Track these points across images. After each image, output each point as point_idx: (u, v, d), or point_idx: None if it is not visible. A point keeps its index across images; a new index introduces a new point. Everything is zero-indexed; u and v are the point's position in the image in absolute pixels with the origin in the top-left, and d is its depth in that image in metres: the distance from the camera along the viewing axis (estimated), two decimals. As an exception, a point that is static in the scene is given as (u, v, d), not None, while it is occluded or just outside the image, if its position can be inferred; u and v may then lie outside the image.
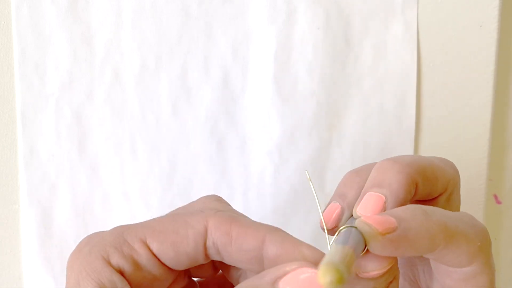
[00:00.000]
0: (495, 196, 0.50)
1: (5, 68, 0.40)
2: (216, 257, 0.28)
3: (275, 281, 0.23)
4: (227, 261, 0.27)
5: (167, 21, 0.41)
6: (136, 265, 0.27)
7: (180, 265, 0.27)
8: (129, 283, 0.26)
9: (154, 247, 0.27)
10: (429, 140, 0.46)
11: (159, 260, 0.27)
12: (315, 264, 0.23)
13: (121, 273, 0.26)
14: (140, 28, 0.41)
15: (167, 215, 0.29)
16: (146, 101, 0.42)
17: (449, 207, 0.30)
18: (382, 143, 0.45)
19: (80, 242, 0.28)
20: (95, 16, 0.40)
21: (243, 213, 0.29)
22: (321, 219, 0.28)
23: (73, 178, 0.42)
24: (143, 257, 0.27)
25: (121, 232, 0.27)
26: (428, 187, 0.29)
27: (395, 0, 0.43)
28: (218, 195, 0.30)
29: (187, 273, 0.30)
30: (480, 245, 0.27)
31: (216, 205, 0.29)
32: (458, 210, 0.31)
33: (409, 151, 0.45)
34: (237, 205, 0.43)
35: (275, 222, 0.44)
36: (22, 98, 0.40)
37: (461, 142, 0.46)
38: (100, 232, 0.29)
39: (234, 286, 0.30)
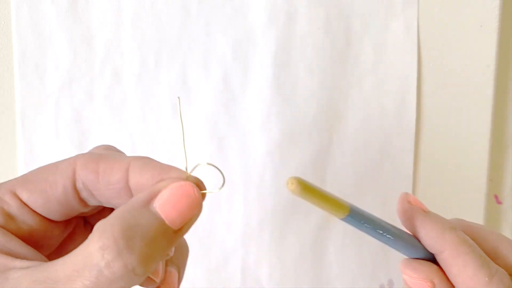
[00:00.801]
0: (496, 196, 0.50)
1: (5, 68, 0.40)
2: (91, 201, 0.26)
3: (149, 202, 0.23)
4: (102, 201, 0.26)
5: (167, 21, 0.41)
6: (8, 216, 0.25)
7: (54, 213, 0.26)
8: (18, 233, 0.25)
9: (24, 196, 0.26)
10: (429, 140, 0.46)
11: (31, 209, 0.26)
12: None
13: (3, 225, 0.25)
14: (140, 28, 0.41)
15: (41, 166, 0.28)
16: (146, 101, 0.42)
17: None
18: (383, 143, 0.45)
19: None
20: (95, 16, 0.40)
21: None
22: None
23: (73, 178, 0.42)
24: (13, 207, 0.26)
25: None
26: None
27: (395, 0, 0.43)
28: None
29: (90, 226, 0.29)
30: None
31: (100, 151, 0.28)
32: None
33: (409, 151, 0.45)
34: (237, 205, 0.43)
35: (275, 222, 0.44)
36: (22, 98, 0.40)
37: (461, 143, 0.46)
38: None
39: None
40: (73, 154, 0.41)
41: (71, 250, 0.23)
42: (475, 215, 0.47)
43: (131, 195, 0.25)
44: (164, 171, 0.25)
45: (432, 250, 0.29)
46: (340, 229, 0.45)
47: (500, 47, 0.45)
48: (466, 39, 0.44)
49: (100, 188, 0.25)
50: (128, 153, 0.42)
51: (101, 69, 0.41)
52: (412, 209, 0.29)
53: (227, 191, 0.43)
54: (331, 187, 0.44)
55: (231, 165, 0.43)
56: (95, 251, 0.21)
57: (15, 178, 0.27)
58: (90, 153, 0.27)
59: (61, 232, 0.27)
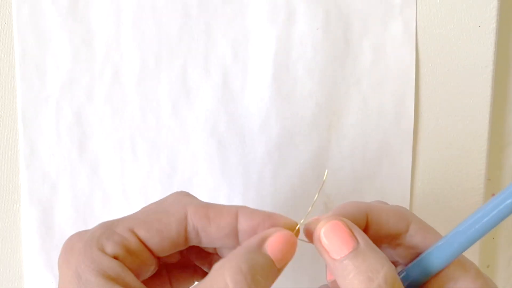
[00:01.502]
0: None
1: (6, 68, 0.40)
2: (194, 241, 0.31)
3: (261, 245, 0.28)
4: (204, 242, 0.31)
5: (167, 21, 0.41)
6: (128, 250, 0.29)
7: (164, 251, 0.31)
8: (131, 266, 0.29)
9: (142, 234, 0.30)
10: (428, 140, 0.46)
11: (146, 246, 0.30)
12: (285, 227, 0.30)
13: (117, 259, 0.29)
14: (140, 28, 0.41)
15: (146, 207, 0.32)
16: (146, 101, 0.42)
17: (429, 240, 0.32)
18: (381, 143, 0.45)
19: (68, 241, 0.30)
20: (95, 16, 0.40)
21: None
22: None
23: (73, 177, 0.42)
24: (133, 243, 0.29)
25: (109, 225, 0.30)
26: (384, 220, 0.31)
27: (394, 0, 0.43)
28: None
29: (168, 279, 0.34)
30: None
31: (189, 198, 0.32)
32: (437, 234, 0.32)
33: (407, 150, 0.45)
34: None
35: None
36: (23, 98, 0.40)
37: (459, 142, 0.46)
38: (85, 230, 0.31)
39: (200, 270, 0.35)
40: (74, 154, 0.41)
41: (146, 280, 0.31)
42: (474, 215, 0.47)
43: (237, 237, 0.31)
44: (273, 217, 0.30)
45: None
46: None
47: (498, 48, 0.45)
48: (464, 40, 0.44)
49: (210, 230, 0.30)
50: (128, 153, 0.42)
51: (102, 69, 0.41)
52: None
53: (227, 191, 0.43)
54: (330, 187, 0.45)
55: (230, 165, 0.43)
56: (228, 283, 0.27)
57: (126, 217, 0.31)
58: (197, 201, 0.32)
59: (155, 268, 0.32)
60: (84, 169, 0.42)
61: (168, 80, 0.42)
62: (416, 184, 0.46)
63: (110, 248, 0.29)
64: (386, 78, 0.44)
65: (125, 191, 0.42)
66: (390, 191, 0.46)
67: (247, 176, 0.43)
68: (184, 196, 0.33)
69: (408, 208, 0.46)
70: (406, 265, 0.32)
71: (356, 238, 0.29)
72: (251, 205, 0.44)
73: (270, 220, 0.30)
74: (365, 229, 0.31)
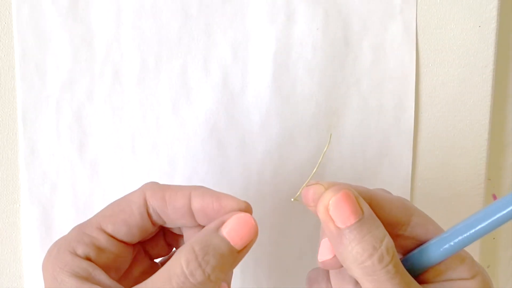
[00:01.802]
0: (494, 196, 0.50)
1: (6, 68, 0.40)
2: (159, 221, 0.33)
3: (218, 229, 0.30)
4: (167, 223, 0.33)
5: (167, 21, 0.41)
6: (99, 249, 0.31)
7: (135, 238, 0.33)
8: (97, 265, 0.31)
9: (109, 229, 0.32)
10: (428, 140, 0.46)
11: (115, 238, 0.32)
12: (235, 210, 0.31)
13: (89, 259, 0.31)
14: (140, 28, 0.41)
15: (113, 202, 0.34)
16: (146, 101, 0.42)
17: (431, 232, 0.32)
18: (381, 143, 0.45)
19: (49, 248, 0.32)
20: (95, 16, 0.40)
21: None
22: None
23: (73, 177, 0.42)
24: (102, 240, 0.31)
25: (79, 228, 0.32)
26: (388, 210, 0.32)
27: (394, 0, 0.43)
28: None
29: (147, 255, 0.35)
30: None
31: (148, 184, 0.34)
32: (438, 227, 0.33)
33: (407, 151, 0.45)
34: (237, 205, 0.43)
35: (274, 222, 0.44)
36: (23, 98, 0.40)
37: (459, 142, 0.46)
38: (62, 236, 0.33)
39: None
40: (74, 154, 0.41)
41: (136, 272, 0.34)
42: (474, 215, 0.47)
43: (193, 216, 0.32)
44: (222, 197, 0.32)
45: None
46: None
47: (498, 48, 0.45)
48: (464, 40, 0.44)
49: (168, 212, 0.32)
50: (128, 153, 0.42)
51: (102, 69, 0.41)
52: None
53: (226, 191, 0.43)
54: (330, 187, 0.45)
55: (231, 165, 0.43)
56: (182, 263, 0.28)
57: (95, 216, 0.33)
58: (154, 184, 0.33)
59: (131, 255, 0.34)
60: (84, 169, 0.42)
61: (168, 80, 0.42)
62: (416, 184, 0.46)
63: (81, 249, 0.31)
64: (386, 78, 0.44)
65: (125, 191, 0.42)
66: (390, 190, 0.45)
67: (247, 176, 0.43)
68: (146, 184, 0.34)
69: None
70: (404, 254, 0.32)
71: (362, 208, 0.29)
72: (251, 205, 0.44)
73: (219, 200, 0.32)
74: None
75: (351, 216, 0.29)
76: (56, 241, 0.32)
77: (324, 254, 0.31)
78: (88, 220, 0.33)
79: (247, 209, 0.32)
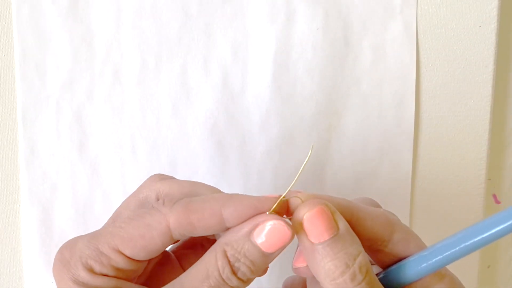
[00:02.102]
0: (494, 196, 0.50)
1: (6, 68, 0.40)
2: (184, 238, 0.33)
3: (250, 234, 0.29)
4: (196, 235, 0.32)
5: (167, 21, 0.41)
6: (116, 269, 0.30)
7: (153, 256, 0.31)
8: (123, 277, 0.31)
9: (128, 253, 0.30)
10: (428, 140, 0.46)
11: (134, 260, 0.31)
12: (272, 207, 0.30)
13: (105, 275, 0.30)
14: (140, 28, 0.41)
15: (126, 218, 0.31)
16: (146, 101, 0.42)
17: (412, 248, 0.32)
18: (381, 143, 0.45)
19: (60, 254, 0.31)
20: (95, 16, 0.40)
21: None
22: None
23: (73, 177, 0.42)
24: (120, 262, 0.30)
25: (95, 244, 0.31)
26: (368, 223, 0.31)
27: (394, 0, 0.43)
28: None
29: None
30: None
31: (162, 188, 0.33)
32: (420, 244, 0.32)
33: (408, 151, 0.45)
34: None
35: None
36: (22, 98, 0.40)
37: (460, 142, 0.46)
38: (74, 242, 0.31)
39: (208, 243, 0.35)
40: (74, 154, 0.41)
41: (151, 265, 0.34)
42: (474, 215, 0.47)
43: (224, 225, 0.30)
44: (258, 207, 0.30)
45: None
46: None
47: (499, 48, 0.45)
48: (465, 40, 0.44)
49: (198, 233, 0.30)
50: (128, 153, 0.42)
51: (102, 69, 0.41)
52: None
53: (226, 191, 0.43)
54: (330, 187, 0.45)
55: (230, 165, 0.43)
56: (219, 267, 0.29)
57: (109, 232, 0.31)
58: (176, 207, 0.30)
59: (146, 264, 0.33)
60: (84, 169, 0.42)
61: (168, 80, 0.42)
62: (416, 184, 0.46)
63: (98, 269, 0.30)
64: (386, 78, 0.44)
65: (125, 191, 0.42)
66: (391, 191, 0.46)
67: (247, 176, 0.43)
68: (156, 184, 0.33)
69: (408, 208, 0.46)
70: (383, 268, 0.32)
71: (337, 224, 0.29)
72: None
73: (256, 210, 0.30)
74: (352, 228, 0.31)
75: (325, 233, 0.29)
76: (70, 250, 0.31)
77: (299, 261, 0.31)
78: (103, 236, 0.31)
79: (283, 205, 0.31)
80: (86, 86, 0.41)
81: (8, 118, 0.41)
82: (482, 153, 0.46)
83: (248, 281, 0.30)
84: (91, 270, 0.30)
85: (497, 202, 0.50)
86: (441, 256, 0.29)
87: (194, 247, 0.36)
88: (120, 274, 0.31)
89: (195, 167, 0.43)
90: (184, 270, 0.33)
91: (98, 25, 0.40)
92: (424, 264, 0.30)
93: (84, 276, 0.30)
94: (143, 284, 0.32)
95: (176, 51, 0.41)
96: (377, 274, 0.31)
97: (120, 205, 0.34)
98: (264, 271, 0.31)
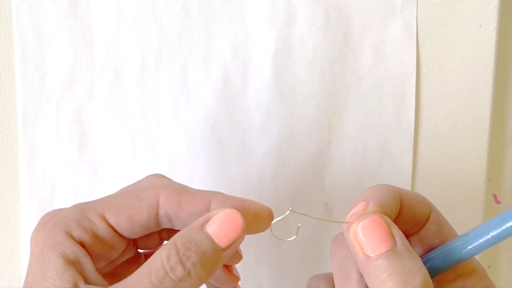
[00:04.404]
0: (495, 196, 0.50)
1: (6, 68, 0.40)
2: (166, 225, 0.31)
3: (203, 225, 0.28)
4: (177, 226, 0.31)
5: (167, 21, 0.41)
6: (96, 237, 0.30)
7: (135, 234, 0.31)
8: (89, 252, 0.29)
9: (112, 221, 0.30)
10: (428, 140, 0.46)
11: (115, 231, 0.30)
12: (258, 215, 0.30)
13: (82, 244, 0.29)
14: (140, 28, 0.41)
15: (121, 191, 0.32)
16: (146, 101, 0.42)
17: (445, 230, 0.31)
18: (382, 143, 0.45)
19: (43, 217, 0.30)
20: (95, 16, 0.40)
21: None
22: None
23: (73, 178, 0.42)
24: (102, 230, 0.30)
25: (81, 208, 0.30)
26: (413, 205, 0.31)
27: (394, 0, 0.43)
28: None
29: (135, 245, 0.34)
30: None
31: (163, 181, 0.32)
32: (453, 232, 0.32)
33: (408, 151, 0.45)
34: (237, 205, 0.43)
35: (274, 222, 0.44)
36: (23, 98, 0.40)
37: (460, 142, 0.46)
38: (61, 208, 0.31)
39: None
40: (74, 154, 0.41)
41: (120, 261, 0.32)
42: (474, 215, 0.47)
43: None
44: (245, 204, 0.30)
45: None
46: (339, 229, 0.45)
47: (499, 48, 0.45)
48: (465, 40, 0.44)
49: (182, 216, 0.30)
50: (128, 153, 0.42)
51: (102, 69, 0.41)
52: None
53: (227, 191, 0.43)
54: (330, 187, 0.45)
55: (230, 165, 0.43)
56: (163, 258, 0.27)
57: (99, 200, 0.31)
58: (170, 186, 0.31)
59: (124, 247, 0.32)
60: (84, 169, 0.42)
61: (168, 80, 0.42)
62: (416, 184, 0.46)
63: (77, 233, 0.29)
64: (387, 78, 0.44)
65: (125, 191, 0.42)
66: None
67: (247, 176, 0.43)
68: (159, 179, 0.33)
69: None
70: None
71: (394, 237, 0.28)
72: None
73: (241, 207, 0.30)
74: (399, 214, 0.30)
75: (380, 245, 0.27)
76: (52, 213, 0.31)
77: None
78: (91, 202, 0.31)
79: (269, 215, 0.31)
80: (86, 86, 0.41)
81: (8, 118, 0.41)
82: (482, 153, 0.46)
83: (198, 278, 0.27)
84: (69, 234, 0.29)
85: (498, 202, 0.50)
86: (489, 236, 0.28)
87: None
88: (96, 246, 0.29)
89: (195, 167, 0.43)
90: None
91: (98, 25, 0.41)
92: (476, 243, 0.29)
93: (61, 239, 0.29)
94: (106, 278, 0.31)
95: (176, 51, 0.41)
96: (422, 258, 0.30)
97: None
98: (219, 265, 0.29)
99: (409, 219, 0.30)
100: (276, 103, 0.43)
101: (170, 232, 0.34)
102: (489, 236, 0.29)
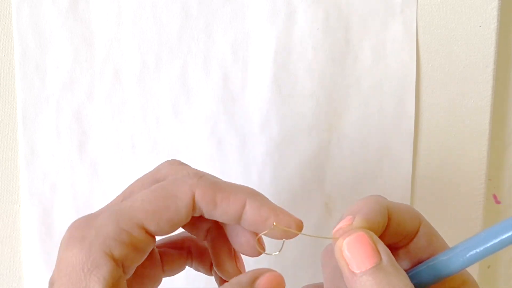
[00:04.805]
0: (494, 196, 0.50)
1: (6, 68, 0.40)
2: (196, 215, 0.30)
3: (252, 283, 0.29)
4: (207, 217, 0.30)
5: (167, 21, 0.41)
6: (135, 249, 0.28)
7: (166, 233, 0.30)
8: (125, 267, 0.28)
9: (152, 228, 0.28)
10: (428, 140, 0.46)
11: (152, 237, 0.29)
12: (289, 226, 0.30)
13: (122, 263, 0.28)
14: (140, 28, 0.41)
15: (149, 190, 0.29)
16: (146, 101, 0.42)
17: (435, 243, 0.31)
18: (382, 143, 0.45)
19: (73, 229, 0.28)
20: (95, 16, 0.40)
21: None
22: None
23: (73, 177, 0.42)
24: (141, 241, 0.28)
25: (116, 219, 0.28)
26: (401, 219, 0.30)
27: (394, 0, 0.43)
28: None
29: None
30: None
31: (188, 171, 0.31)
32: (443, 241, 0.32)
33: (408, 151, 0.45)
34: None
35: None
36: (22, 98, 0.40)
37: (460, 142, 0.46)
38: (91, 218, 0.29)
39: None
40: (74, 154, 0.41)
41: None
42: (474, 215, 0.47)
43: (239, 221, 0.30)
44: (279, 215, 0.30)
45: None
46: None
47: (499, 48, 0.45)
48: (465, 40, 0.44)
49: (215, 214, 0.30)
50: (128, 153, 0.42)
51: (102, 69, 0.41)
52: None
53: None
54: (330, 187, 0.45)
55: (230, 165, 0.43)
56: None
57: (132, 207, 0.28)
58: (203, 181, 0.29)
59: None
60: (84, 169, 0.42)
61: (168, 80, 0.42)
62: (416, 184, 0.46)
63: (118, 252, 0.27)
64: (387, 78, 0.44)
65: (125, 191, 0.42)
66: (391, 191, 0.45)
67: (247, 176, 0.43)
68: (180, 166, 0.31)
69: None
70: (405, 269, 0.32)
71: (379, 253, 0.27)
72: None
73: (276, 217, 0.30)
74: (386, 228, 0.30)
75: (366, 261, 0.27)
76: (83, 225, 0.28)
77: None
78: (124, 210, 0.28)
79: (300, 226, 0.31)
80: (86, 86, 0.41)
81: (8, 118, 0.41)
82: (482, 153, 0.46)
83: None
84: (110, 255, 0.27)
85: (497, 202, 0.50)
86: (482, 248, 0.28)
87: (181, 248, 0.35)
88: (133, 259, 0.28)
89: (195, 167, 0.43)
90: (164, 269, 0.33)
91: (98, 25, 0.41)
92: (463, 257, 0.29)
93: (102, 263, 0.27)
94: None
95: (176, 51, 0.41)
96: (407, 272, 0.30)
97: (132, 184, 0.32)
98: None
99: (397, 233, 0.30)
100: (276, 103, 0.43)
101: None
102: (476, 251, 0.29)
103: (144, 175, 0.32)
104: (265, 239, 0.32)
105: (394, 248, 0.31)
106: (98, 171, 0.42)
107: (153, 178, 0.31)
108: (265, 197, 0.31)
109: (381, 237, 0.29)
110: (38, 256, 0.42)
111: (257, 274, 0.29)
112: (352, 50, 0.43)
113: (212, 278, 0.46)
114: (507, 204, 0.50)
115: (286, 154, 0.44)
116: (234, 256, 0.33)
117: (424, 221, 0.31)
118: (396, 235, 0.30)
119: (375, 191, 0.45)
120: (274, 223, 0.30)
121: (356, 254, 0.27)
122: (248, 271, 0.30)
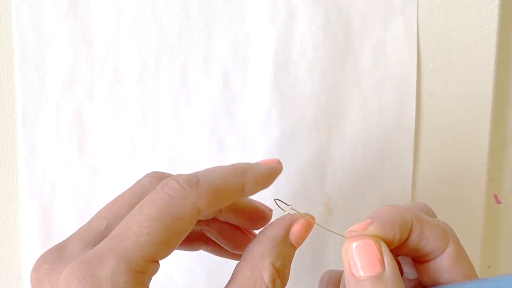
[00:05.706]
0: (495, 196, 0.50)
1: (6, 68, 0.40)
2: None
3: (287, 233, 0.30)
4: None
5: (167, 21, 0.41)
6: (150, 278, 0.26)
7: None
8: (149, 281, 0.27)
9: (163, 256, 0.27)
10: (429, 140, 0.46)
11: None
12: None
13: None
14: (140, 28, 0.41)
15: (149, 220, 0.27)
16: (146, 101, 0.42)
17: (456, 269, 0.30)
18: (382, 143, 0.45)
19: (81, 281, 0.25)
20: (95, 16, 0.40)
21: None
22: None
23: (73, 178, 0.42)
24: (154, 270, 0.27)
25: (129, 269, 0.26)
26: (426, 235, 0.30)
27: (395, 0, 0.43)
28: None
29: None
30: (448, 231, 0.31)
31: (174, 181, 0.29)
32: (470, 266, 0.31)
33: (408, 151, 0.45)
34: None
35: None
36: (22, 98, 0.40)
37: (461, 142, 0.46)
38: (95, 270, 0.25)
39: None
40: (73, 154, 0.41)
41: None
42: (475, 215, 0.47)
43: (242, 194, 0.31)
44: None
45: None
46: (340, 229, 0.45)
47: (500, 48, 0.45)
48: (466, 39, 0.44)
49: (219, 207, 0.30)
50: (128, 153, 0.42)
51: (102, 69, 0.41)
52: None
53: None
54: (331, 187, 0.45)
55: (231, 165, 0.43)
56: (265, 281, 0.28)
57: (138, 243, 0.26)
58: (202, 188, 0.28)
59: None
60: (84, 169, 0.42)
61: (168, 80, 0.42)
62: (417, 184, 0.46)
63: None
64: (387, 78, 0.44)
65: (125, 191, 0.42)
66: (392, 191, 0.45)
67: (247, 176, 0.43)
68: (171, 181, 0.29)
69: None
70: (416, 279, 0.32)
71: (384, 264, 0.28)
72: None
73: (271, 176, 0.33)
74: (406, 240, 0.30)
75: (367, 268, 0.28)
76: (91, 279, 0.25)
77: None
78: (130, 252, 0.26)
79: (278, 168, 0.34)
80: (86, 86, 0.41)
81: (8, 118, 0.41)
82: (483, 153, 0.46)
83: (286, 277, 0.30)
84: None
85: (498, 202, 0.50)
86: None
87: (199, 235, 0.35)
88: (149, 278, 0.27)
89: (195, 167, 0.43)
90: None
91: (98, 25, 0.40)
92: None
93: None
94: None
95: (176, 51, 0.41)
96: None
97: (113, 205, 0.30)
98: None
99: (419, 248, 0.30)
100: (276, 103, 0.43)
101: None
102: None
103: (125, 191, 0.30)
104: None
105: (415, 262, 0.31)
106: (98, 171, 0.42)
107: (137, 195, 0.30)
108: (252, 166, 0.32)
109: (399, 248, 0.30)
110: (38, 256, 0.42)
111: (289, 223, 0.31)
112: (352, 50, 0.43)
113: (212, 278, 0.46)
114: (508, 204, 0.50)
115: (286, 154, 0.43)
116: (248, 233, 0.35)
117: (455, 244, 0.30)
118: (417, 250, 0.30)
119: (376, 191, 0.45)
120: (290, 208, 0.32)
121: (361, 260, 0.28)
122: (277, 222, 0.31)
